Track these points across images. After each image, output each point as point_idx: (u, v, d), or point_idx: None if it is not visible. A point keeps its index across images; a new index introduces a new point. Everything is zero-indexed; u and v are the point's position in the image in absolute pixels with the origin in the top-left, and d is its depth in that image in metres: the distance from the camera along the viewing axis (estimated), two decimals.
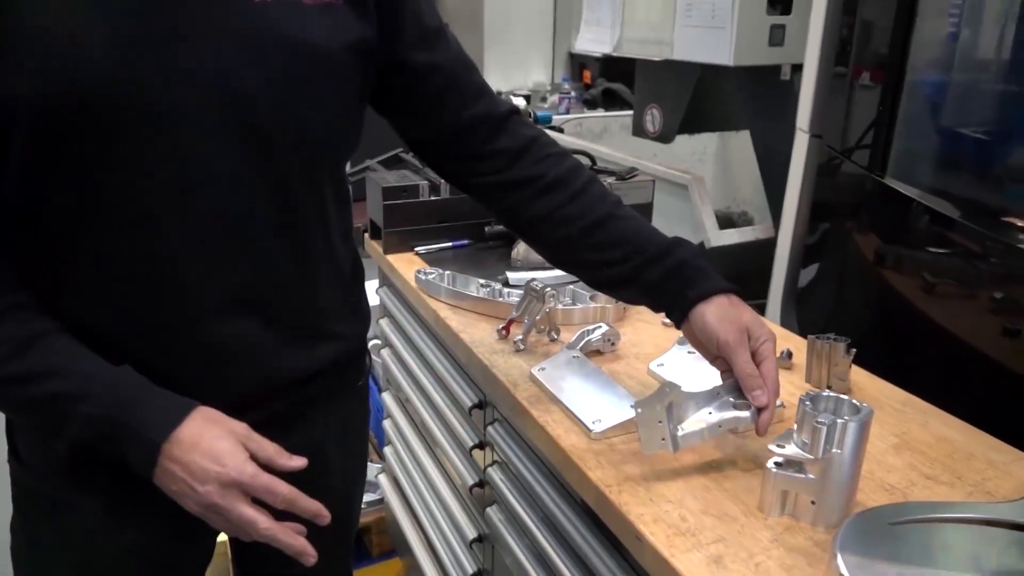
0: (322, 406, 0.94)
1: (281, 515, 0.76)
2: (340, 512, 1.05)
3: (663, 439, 0.84)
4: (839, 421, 0.72)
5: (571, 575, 0.92)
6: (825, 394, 0.77)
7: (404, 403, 1.63)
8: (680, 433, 0.81)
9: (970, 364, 1.13)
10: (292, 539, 0.76)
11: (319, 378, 0.91)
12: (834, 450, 0.72)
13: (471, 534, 1.29)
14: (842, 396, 0.76)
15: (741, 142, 2.83)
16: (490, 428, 1.14)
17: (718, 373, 0.86)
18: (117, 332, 0.77)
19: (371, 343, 1.92)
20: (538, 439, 0.95)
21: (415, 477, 1.59)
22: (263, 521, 0.74)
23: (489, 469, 1.15)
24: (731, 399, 0.83)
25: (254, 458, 0.75)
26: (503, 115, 0.91)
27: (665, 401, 0.87)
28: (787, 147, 1.90)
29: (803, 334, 1.52)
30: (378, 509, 1.99)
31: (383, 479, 1.85)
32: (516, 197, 0.91)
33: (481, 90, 0.91)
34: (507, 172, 0.90)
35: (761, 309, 1.67)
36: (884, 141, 1.20)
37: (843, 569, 0.63)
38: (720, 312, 0.84)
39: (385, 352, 1.68)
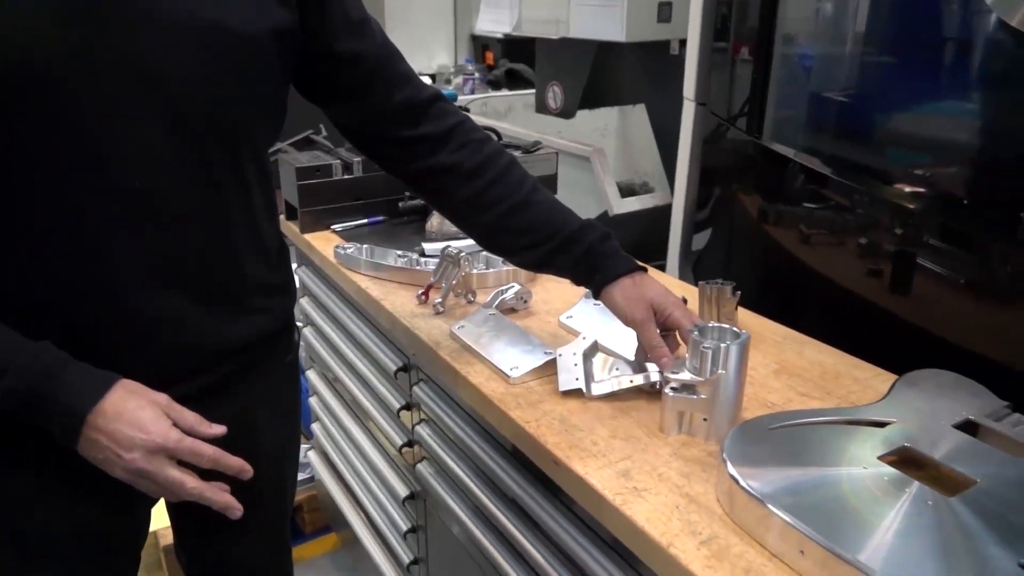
0: (252, 378, 0.98)
1: (206, 477, 0.81)
2: (274, 480, 1.11)
3: (577, 379, 0.94)
4: (722, 345, 0.83)
5: (501, 514, 1.00)
6: (711, 324, 0.88)
7: (329, 379, 1.68)
8: (593, 383, 0.92)
9: (841, 301, 1.27)
10: (219, 495, 0.81)
11: (248, 350, 0.95)
12: (720, 371, 0.83)
13: (403, 492, 1.36)
14: (724, 325, 0.87)
15: (639, 116, 2.97)
16: (416, 388, 1.21)
17: (618, 321, 0.96)
18: (43, 304, 0.80)
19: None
20: (462, 390, 1.03)
21: (344, 448, 1.64)
22: (190, 481, 0.79)
23: (417, 427, 1.23)
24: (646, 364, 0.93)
25: (176, 426, 0.80)
26: (427, 101, 0.96)
27: (582, 348, 0.97)
28: (679, 118, 2.03)
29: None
30: (309, 488, 2.03)
31: (313, 456, 1.90)
32: (442, 182, 0.97)
33: (406, 77, 0.96)
34: (433, 158, 0.96)
35: (661, 269, 1.79)
36: (760, 107, 1.33)
37: (732, 469, 0.74)
38: (625, 293, 0.94)
39: (308, 331, 1.72)
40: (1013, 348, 0.99)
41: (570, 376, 0.95)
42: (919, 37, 1.14)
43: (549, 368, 0.99)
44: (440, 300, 1.19)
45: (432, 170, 0.96)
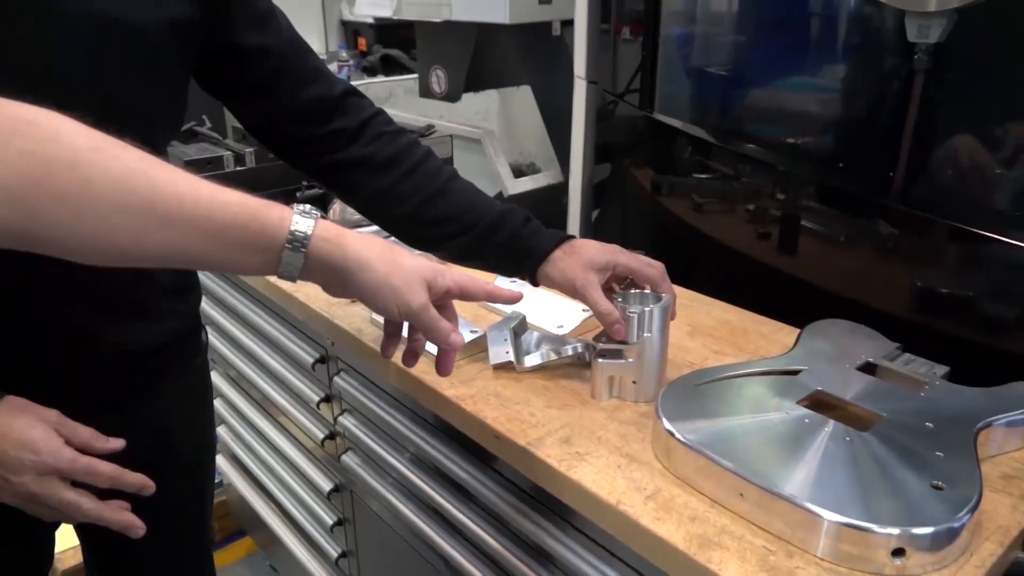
0: (162, 385, 0.95)
1: (106, 494, 0.77)
2: (192, 488, 1.08)
3: (507, 352, 0.96)
4: (646, 309, 0.87)
5: (439, 495, 1.02)
6: (633, 291, 0.92)
7: (234, 378, 1.63)
8: (524, 356, 0.94)
9: (737, 264, 1.36)
10: (119, 515, 0.77)
11: (156, 356, 0.91)
12: (645, 334, 0.87)
13: (327, 486, 1.34)
14: (646, 291, 0.91)
15: (522, 98, 3.00)
16: (337, 379, 1.20)
17: (542, 295, 0.98)
18: None
19: None
20: (390, 376, 1.03)
21: (257, 448, 1.60)
22: (86, 502, 0.75)
23: (340, 418, 1.22)
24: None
25: (69, 443, 0.75)
26: (339, 95, 0.92)
27: (510, 324, 0.99)
28: (565, 98, 2.07)
29: None
30: (217, 493, 1.96)
31: (220, 460, 1.83)
32: (354, 176, 0.93)
33: (316, 72, 0.92)
34: (344, 152, 0.92)
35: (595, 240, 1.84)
36: (650, 83, 1.39)
37: (666, 423, 0.78)
38: (559, 266, 0.91)
39: (209, 329, 1.65)
40: (892, 296, 1.09)
41: (500, 350, 0.97)
42: (787, 12, 1.23)
43: (476, 347, 1.01)
44: None
45: (343, 164, 0.93)
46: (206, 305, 1.62)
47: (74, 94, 0.73)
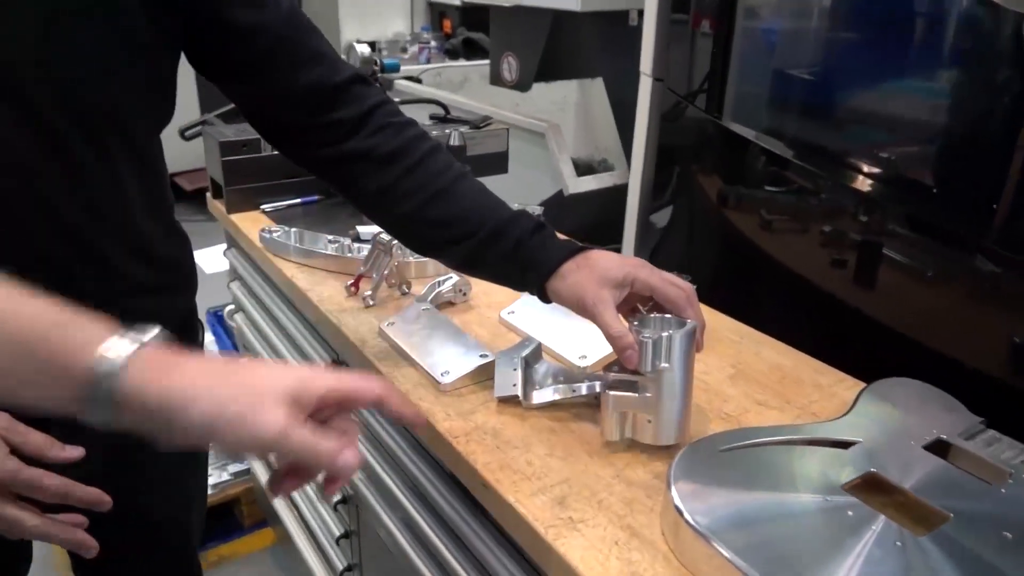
0: None
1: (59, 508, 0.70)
2: (171, 508, 1.00)
3: (514, 384, 0.85)
4: (663, 335, 0.73)
5: (430, 530, 0.91)
6: (653, 316, 0.78)
7: None
8: (532, 391, 0.83)
9: (802, 294, 1.20)
10: (68, 533, 0.69)
11: None
12: (663, 364, 0.74)
13: (335, 496, 1.26)
14: (667, 316, 0.78)
15: (600, 89, 2.86)
16: None
17: (569, 318, 0.85)
18: None
19: (227, 308, 1.84)
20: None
21: None
22: (29, 519, 0.67)
23: None
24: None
25: (18, 451, 0.67)
26: (343, 83, 0.82)
27: (523, 351, 0.87)
28: (637, 93, 1.93)
29: None
30: (246, 480, 1.93)
31: None
32: (353, 170, 0.84)
33: (318, 55, 0.82)
34: (343, 144, 0.83)
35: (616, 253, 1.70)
36: (720, 85, 1.24)
37: (677, 499, 0.65)
38: (568, 281, 0.79)
39: (239, 317, 1.60)
40: (986, 353, 0.92)
41: (507, 382, 0.86)
42: (889, 9, 1.06)
43: (485, 372, 0.90)
44: (371, 292, 1.09)
45: (342, 157, 0.83)
46: (238, 291, 1.56)
47: (26, 79, 0.66)
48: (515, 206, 0.86)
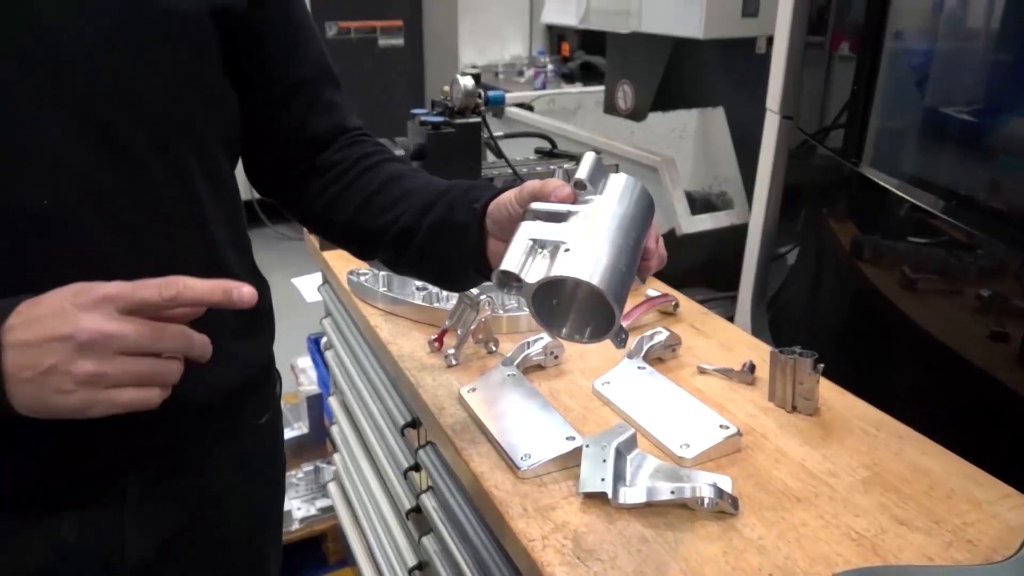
0: (214, 447, 0.80)
1: None
2: (249, 559, 0.93)
3: (603, 479, 0.74)
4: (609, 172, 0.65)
5: None
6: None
7: (349, 411, 1.52)
8: (624, 487, 0.71)
9: (952, 373, 1.02)
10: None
11: (208, 412, 0.77)
12: (594, 197, 0.64)
13: (411, 561, 1.18)
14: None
15: (720, 119, 2.70)
16: (421, 452, 1.03)
17: (671, 394, 0.74)
18: None
19: (323, 339, 1.81)
20: (462, 474, 0.84)
21: (360, 490, 1.48)
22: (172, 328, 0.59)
23: (423, 496, 1.04)
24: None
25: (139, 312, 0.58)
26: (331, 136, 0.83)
27: (616, 439, 0.77)
28: (762, 125, 1.78)
29: (774, 332, 1.41)
30: (332, 516, 1.89)
31: (333, 488, 1.74)
32: (303, 188, 0.83)
33: (332, 104, 0.83)
34: (309, 163, 0.83)
35: (732, 302, 1.55)
36: (859, 124, 1.08)
37: None
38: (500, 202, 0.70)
39: (330, 354, 1.56)
40: None
41: (595, 475, 0.75)
42: None
43: (571, 459, 0.79)
44: (454, 350, 1.00)
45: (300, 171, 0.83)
46: (329, 328, 1.52)
47: (90, 86, 0.62)
48: None
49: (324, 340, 1.63)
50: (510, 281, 0.61)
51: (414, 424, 1.07)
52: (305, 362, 2.38)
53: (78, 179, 0.63)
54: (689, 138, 2.89)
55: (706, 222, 1.87)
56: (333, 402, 1.62)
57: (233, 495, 0.85)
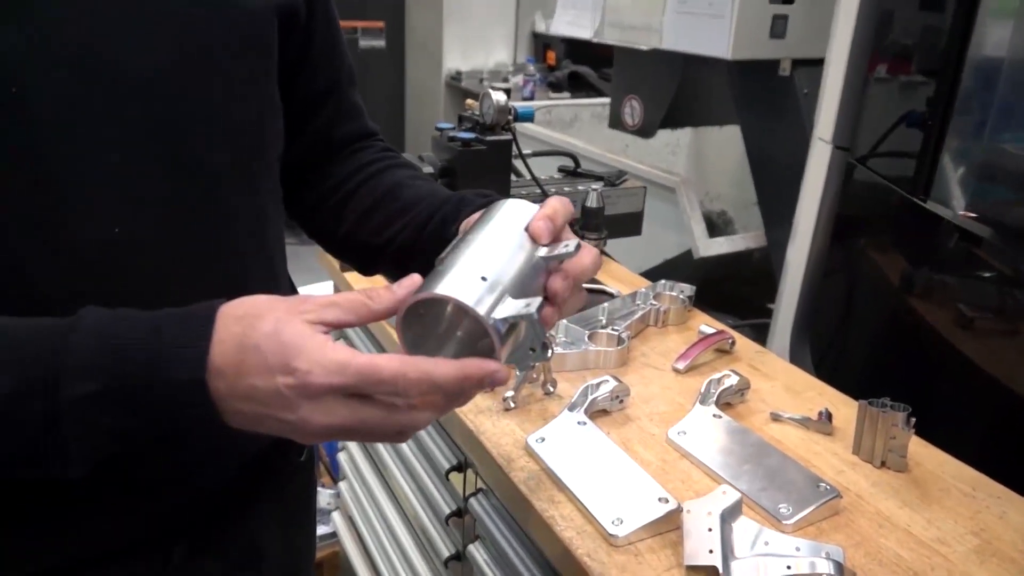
0: (260, 494, 0.73)
1: None
2: (278, 548, 0.85)
3: (711, 551, 0.67)
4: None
5: None
6: None
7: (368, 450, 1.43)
8: (734, 560, 0.64)
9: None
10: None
11: (262, 457, 0.70)
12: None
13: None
14: None
15: (718, 136, 2.67)
16: (473, 500, 0.95)
17: (754, 445, 0.68)
18: None
19: None
20: (543, 539, 0.76)
21: (376, 526, 1.39)
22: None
23: (470, 546, 0.97)
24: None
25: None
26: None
27: (720, 505, 0.70)
28: (781, 148, 1.73)
29: (818, 368, 1.36)
30: (331, 543, 1.79)
31: (336, 517, 1.65)
32: (309, 195, 0.77)
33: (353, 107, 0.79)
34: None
35: (763, 332, 1.51)
36: (931, 157, 1.03)
37: None
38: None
39: None
40: None
41: (702, 546, 0.68)
42: None
43: (667, 523, 0.72)
44: (513, 391, 0.93)
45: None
46: None
47: (168, 104, 0.56)
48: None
49: None
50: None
51: (460, 468, 0.99)
52: None
53: (154, 204, 0.56)
54: (682, 153, 2.86)
55: (723, 245, 1.83)
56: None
57: (271, 551, 0.77)
